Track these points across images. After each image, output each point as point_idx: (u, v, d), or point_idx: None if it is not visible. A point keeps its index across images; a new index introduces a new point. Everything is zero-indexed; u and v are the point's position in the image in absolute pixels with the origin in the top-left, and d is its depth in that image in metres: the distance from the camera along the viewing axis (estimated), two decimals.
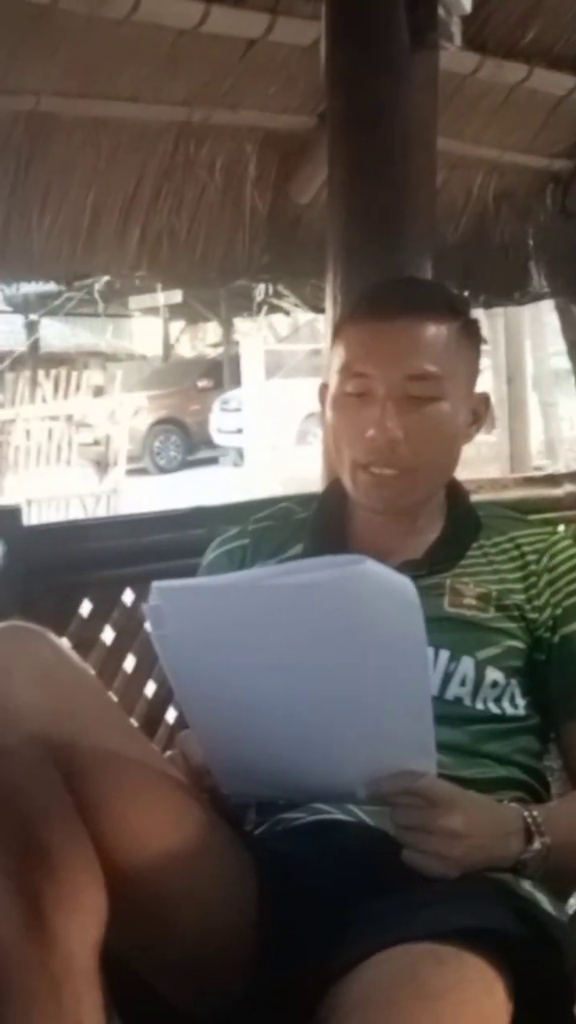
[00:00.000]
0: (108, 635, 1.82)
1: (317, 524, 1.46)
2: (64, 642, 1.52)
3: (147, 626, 1.83)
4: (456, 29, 1.80)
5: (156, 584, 1.12)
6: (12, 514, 1.78)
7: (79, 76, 2.11)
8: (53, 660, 1.18)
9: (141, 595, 1.88)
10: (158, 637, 1.15)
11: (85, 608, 1.87)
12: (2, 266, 2.30)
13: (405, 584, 1.08)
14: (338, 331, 1.43)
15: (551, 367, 10.80)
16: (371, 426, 1.33)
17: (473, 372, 1.43)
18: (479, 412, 1.43)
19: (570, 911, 1.72)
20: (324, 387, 1.43)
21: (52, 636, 1.21)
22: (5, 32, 1.98)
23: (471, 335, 1.41)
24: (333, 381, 1.39)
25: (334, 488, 1.47)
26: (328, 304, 1.91)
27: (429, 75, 1.87)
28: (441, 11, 1.78)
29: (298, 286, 2.75)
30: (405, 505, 1.39)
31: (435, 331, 1.35)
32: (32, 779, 1.04)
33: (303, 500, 1.55)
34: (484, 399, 1.45)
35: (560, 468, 8.34)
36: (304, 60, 2.20)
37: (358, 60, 1.85)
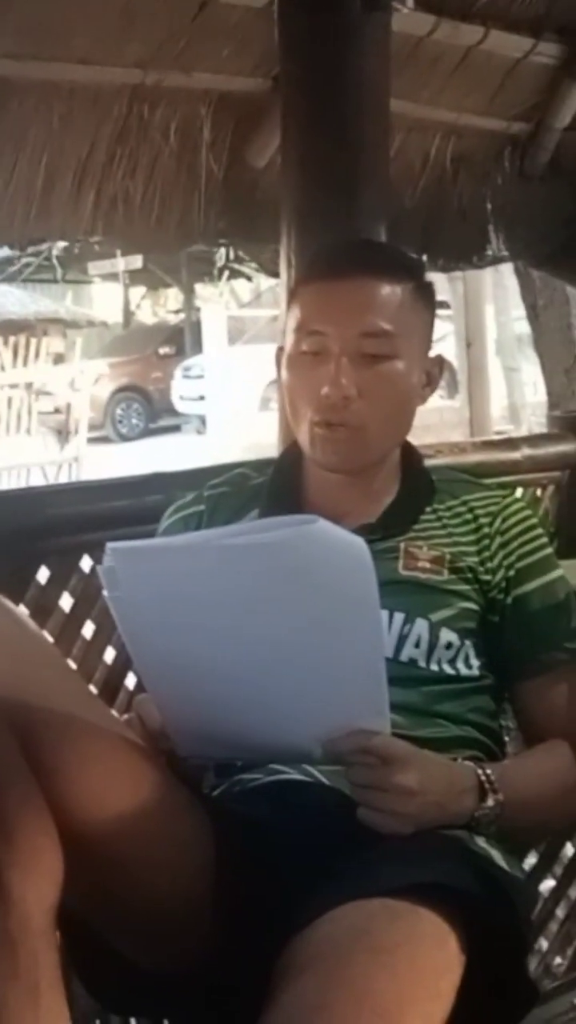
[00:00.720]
0: (66, 602, 1.82)
1: (273, 489, 1.47)
2: (22, 609, 1.53)
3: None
4: None
5: (110, 545, 1.13)
6: None
7: (30, 39, 2.07)
8: (8, 627, 1.18)
9: (99, 562, 1.86)
10: (112, 599, 1.15)
11: (43, 575, 1.86)
12: None
13: (357, 543, 1.09)
14: (293, 292, 1.44)
15: (514, 332, 10.81)
16: (326, 383, 1.34)
17: (427, 334, 1.44)
18: (433, 374, 1.44)
19: (527, 868, 1.77)
20: (280, 350, 1.43)
21: (7, 603, 1.22)
22: None
23: (425, 297, 1.42)
24: (289, 341, 1.40)
25: (290, 453, 1.48)
26: (282, 268, 1.91)
27: (381, 37, 1.86)
28: None
29: (256, 251, 2.74)
30: (359, 463, 1.40)
31: (389, 290, 1.36)
32: None
33: (258, 465, 1.55)
34: (438, 361, 1.46)
35: (523, 432, 8.37)
36: (258, 22, 2.17)
37: (310, 23, 1.84)
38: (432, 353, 1.46)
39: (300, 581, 1.09)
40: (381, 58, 1.88)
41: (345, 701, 1.17)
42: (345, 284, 1.36)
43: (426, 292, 1.42)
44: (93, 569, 1.89)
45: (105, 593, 1.16)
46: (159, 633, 1.18)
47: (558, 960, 1.91)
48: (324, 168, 1.85)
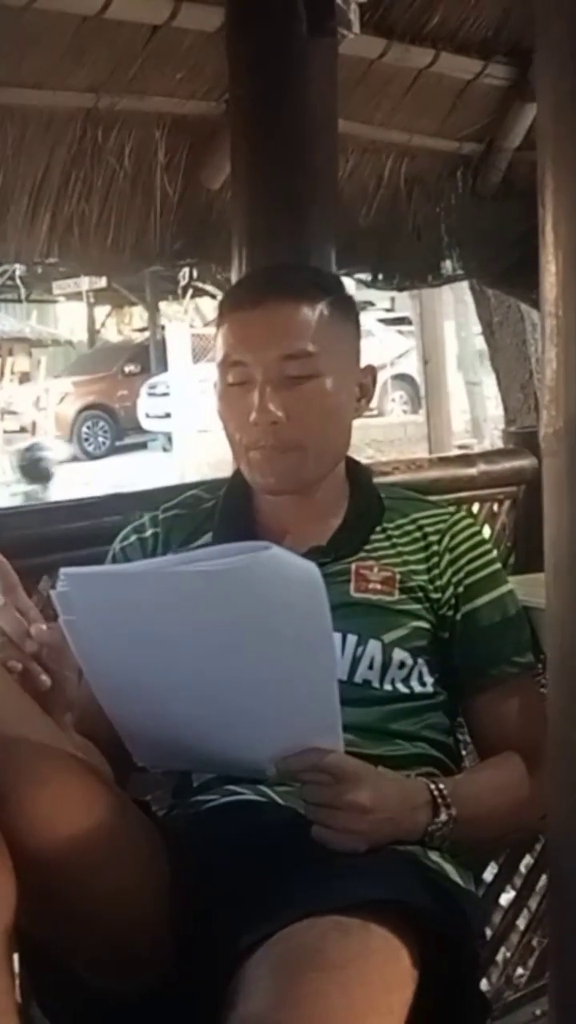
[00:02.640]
0: None
1: (224, 511, 1.48)
2: None
3: None
4: (354, 16, 1.82)
5: (64, 571, 1.14)
6: None
7: None
8: None
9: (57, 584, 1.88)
10: (67, 623, 1.17)
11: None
12: None
13: (310, 570, 1.10)
14: (217, 324, 1.45)
15: (475, 347, 10.90)
16: (253, 410, 1.36)
17: (351, 347, 1.45)
18: (366, 385, 1.46)
19: (487, 880, 1.78)
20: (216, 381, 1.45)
21: None
22: None
23: (344, 311, 1.42)
24: (218, 374, 1.42)
25: (239, 476, 1.49)
26: None
27: (328, 61, 1.88)
28: None
29: (212, 272, 2.75)
30: (299, 482, 1.41)
31: (303, 311, 1.37)
32: None
33: (211, 487, 1.56)
34: (369, 372, 1.47)
35: (486, 446, 8.43)
36: (210, 46, 2.19)
37: (258, 48, 1.86)
38: (364, 365, 1.46)
39: (253, 607, 1.10)
40: (328, 82, 1.90)
41: (298, 721, 1.18)
42: (259, 311, 1.37)
43: (344, 306, 1.43)
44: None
45: (60, 617, 1.17)
46: (114, 656, 1.19)
47: (519, 971, 1.92)
48: (273, 190, 1.87)
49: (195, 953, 1.15)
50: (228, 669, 1.15)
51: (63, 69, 2.16)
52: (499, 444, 2.90)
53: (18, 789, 1.07)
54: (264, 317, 1.37)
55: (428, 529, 1.45)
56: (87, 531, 1.92)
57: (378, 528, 1.45)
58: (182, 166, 2.44)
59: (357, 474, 1.49)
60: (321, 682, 1.16)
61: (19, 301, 16.79)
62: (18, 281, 15.06)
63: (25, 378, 14.43)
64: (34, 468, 8.93)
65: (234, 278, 1.92)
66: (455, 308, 10.75)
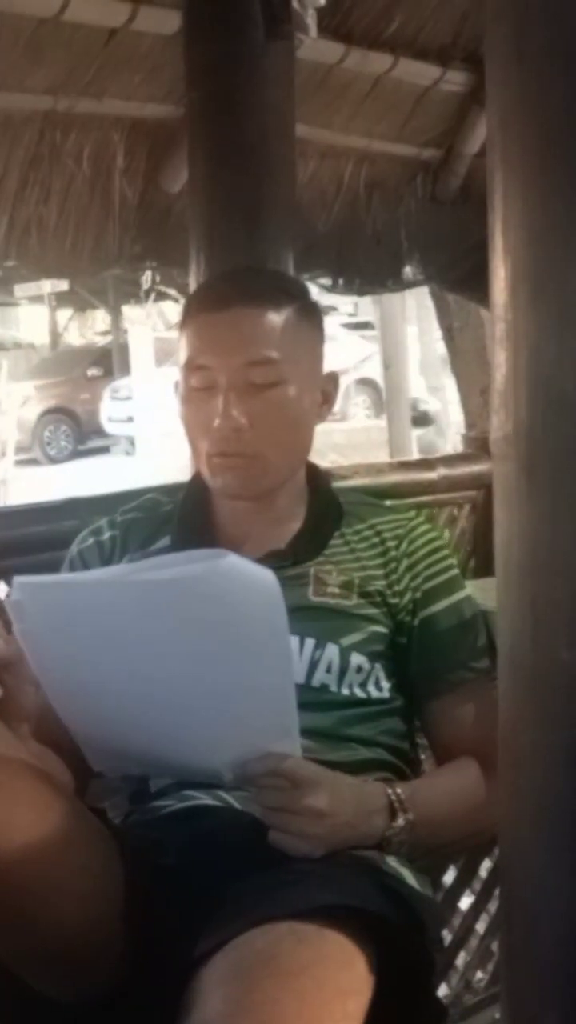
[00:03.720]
0: None
1: (183, 515, 1.48)
2: None
3: None
4: (311, 21, 1.82)
5: (17, 579, 1.13)
6: None
7: None
8: None
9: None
10: (20, 631, 1.16)
11: None
12: None
13: (267, 577, 1.10)
14: (180, 328, 1.44)
15: (438, 351, 10.94)
16: (216, 416, 1.35)
17: (316, 353, 1.44)
18: (328, 392, 1.46)
19: (447, 884, 1.78)
20: (177, 383, 1.44)
21: None
22: None
23: (309, 317, 1.42)
24: (180, 377, 1.41)
25: (198, 479, 1.49)
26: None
27: (285, 66, 1.89)
28: (295, 3, 1.80)
29: (172, 275, 2.75)
30: (260, 489, 1.41)
31: (269, 317, 1.37)
32: None
33: (169, 490, 1.56)
34: (332, 378, 1.47)
35: (448, 450, 8.47)
36: (168, 49, 2.18)
37: (215, 52, 1.86)
38: (328, 371, 1.46)
39: (210, 615, 1.10)
40: (285, 86, 1.91)
41: (255, 726, 1.18)
42: (225, 316, 1.36)
43: (310, 312, 1.43)
44: (9, 595, 1.89)
45: (13, 625, 1.16)
46: (69, 663, 1.18)
47: (479, 975, 1.92)
48: (230, 194, 1.87)
49: (149, 960, 1.14)
50: (185, 675, 1.14)
51: (20, 71, 2.15)
52: (461, 449, 2.92)
53: None
54: (230, 322, 1.36)
55: (386, 535, 1.45)
56: (44, 535, 1.91)
57: (337, 533, 1.45)
58: (141, 169, 2.43)
59: (317, 479, 1.49)
60: (278, 688, 1.16)
61: None
62: None
63: None
64: None
65: (192, 282, 1.91)
66: (418, 313, 10.79)
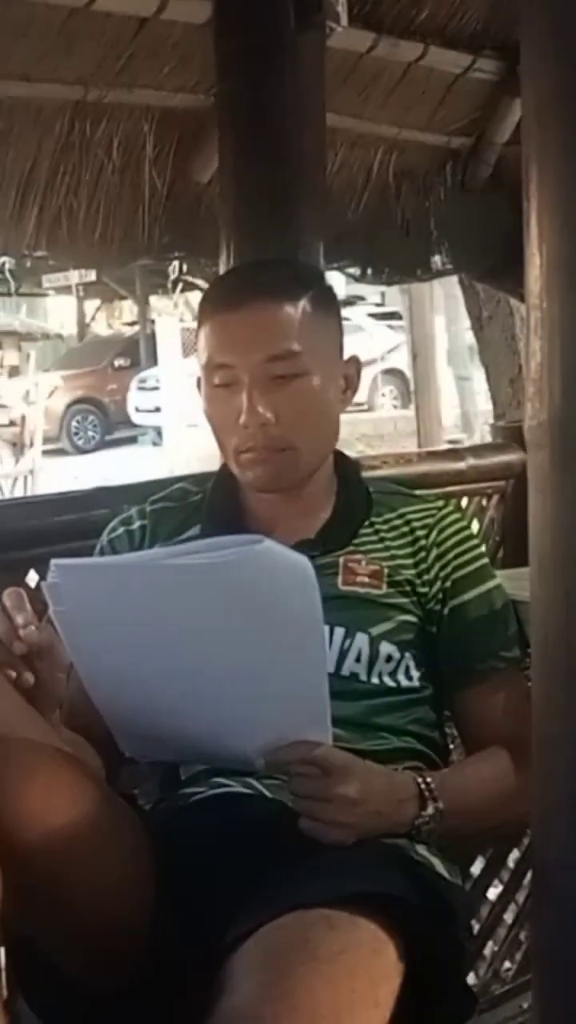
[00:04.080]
0: None
1: (212, 505, 1.48)
2: None
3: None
4: (342, 10, 1.82)
5: (55, 562, 1.14)
6: None
7: None
8: None
9: (46, 577, 1.88)
10: (57, 613, 1.17)
11: None
12: None
13: (302, 563, 1.11)
14: (198, 325, 1.43)
15: (465, 341, 10.90)
16: (241, 413, 1.35)
17: (336, 340, 1.44)
18: (350, 377, 1.45)
19: (475, 874, 1.79)
20: (200, 379, 1.44)
21: None
22: None
23: (325, 304, 1.42)
24: (202, 376, 1.41)
25: (227, 469, 1.49)
26: None
27: (315, 55, 1.89)
28: None
29: (200, 265, 2.75)
30: (290, 481, 1.41)
31: (286, 309, 1.36)
32: None
33: (199, 480, 1.56)
34: (354, 363, 1.46)
35: (476, 441, 8.45)
36: (198, 39, 2.18)
37: (246, 42, 1.86)
38: (347, 355, 1.45)
39: (246, 600, 1.10)
40: (315, 76, 1.90)
41: (288, 714, 1.19)
42: (241, 312, 1.36)
43: (326, 299, 1.42)
44: (39, 584, 1.90)
45: (50, 608, 1.17)
46: (104, 647, 1.19)
47: (507, 965, 1.93)
48: (261, 184, 1.87)
49: (181, 946, 1.15)
50: (219, 661, 1.15)
51: (51, 61, 2.16)
52: (488, 438, 2.91)
53: (6, 782, 1.08)
54: (247, 319, 1.36)
55: (416, 524, 1.45)
56: (74, 525, 1.92)
57: (366, 522, 1.45)
58: (170, 159, 2.44)
59: (345, 468, 1.49)
60: (311, 675, 1.16)
61: (8, 295, 16.72)
62: (7, 274, 15.01)
63: (14, 372, 14.40)
64: None
65: (222, 272, 1.92)
66: (445, 303, 10.75)
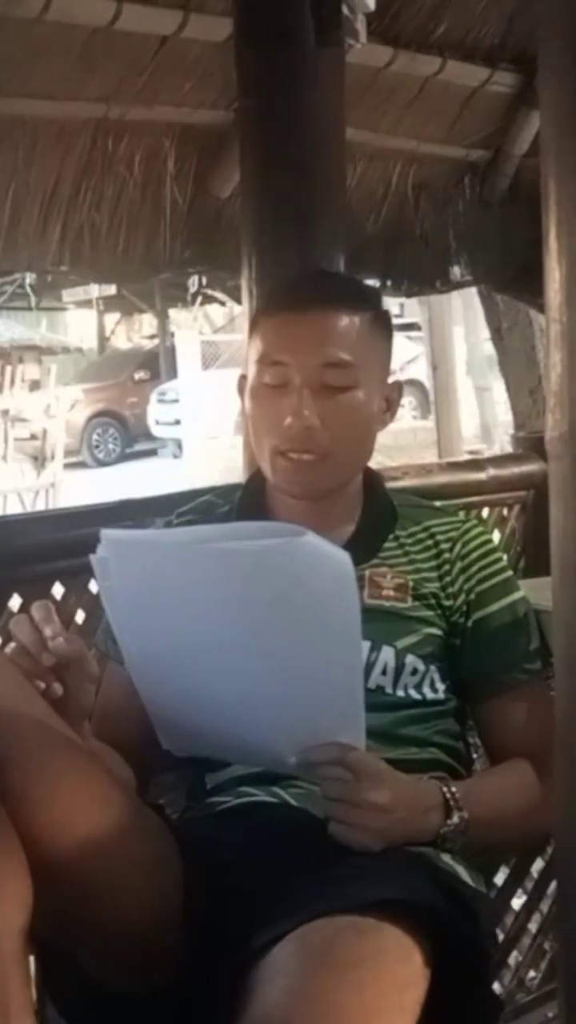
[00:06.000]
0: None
1: (240, 516, 1.49)
2: None
3: (78, 617, 1.86)
4: (361, 27, 1.83)
5: (104, 533, 1.15)
6: None
7: None
8: None
9: (71, 588, 1.90)
10: (104, 588, 1.19)
11: (15, 603, 1.88)
12: None
13: (343, 558, 1.12)
14: (255, 323, 1.46)
15: (484, 352, 10.91)
16: (289, 414, 1.37)
17: (385, 361, 1.47)
18: (392, 399, 1.47)
19: (499, 884, 1.79)
20: (243, 378, 1.46)
21: None
22: None
23: (383, 325, 1.45)
24: (251, 372, 1.42)
25: (255, 480, 1.51)
26: (244, 297, 1.94)
27: (335, 71, 1.90)
28: (345, 9, 1.81)
29: (221, 279, 2.77)
30: (322, 489, 1.42)
31: (348, 321, 1.39)
32: None
33: (225, 492, 1.58)
34: (397, 387, 1.49)
35: (495, 451, 8.44)
36: (218, 56, 2.21)
37: (266, 59, 1.87)
38: (392, 378, 1.48)
39: (285, 589, 1.11)
40: (335, 91, 1.92)
41: (322, 713, 1.20)
42: (306, 316, 1.39)
43: (383, 320, 1.45)
44: (65, 596, 1.92)
45: (98, 582, 1.19)
46: (146, 625, 1.21)
47: (531, 974, 1.93)
48: (282, 199, 1.89)
49: (208, 952, 1.16)
50: (256, 650, 1.16)
51: (74, 80, 2.18)
52: (509, 449, 2.91)
53: (35, 791, 1.09)
54: (312, 322, 1.38)
55: (440, 537, 1.46)
56: (97, 537, 1.93)
57: (391, 536, 1.46)
58: (191, 175, 2.46)
59: (372, 482, 1.51)
60: (347, 674, 1.17)
61: (29, 309, 16.84)
62: (28, 289, 15.12)
63: (35, 386, 14.45)
64: None
65: (244, 286, 1.93)
66: (464, 314, 10.77)
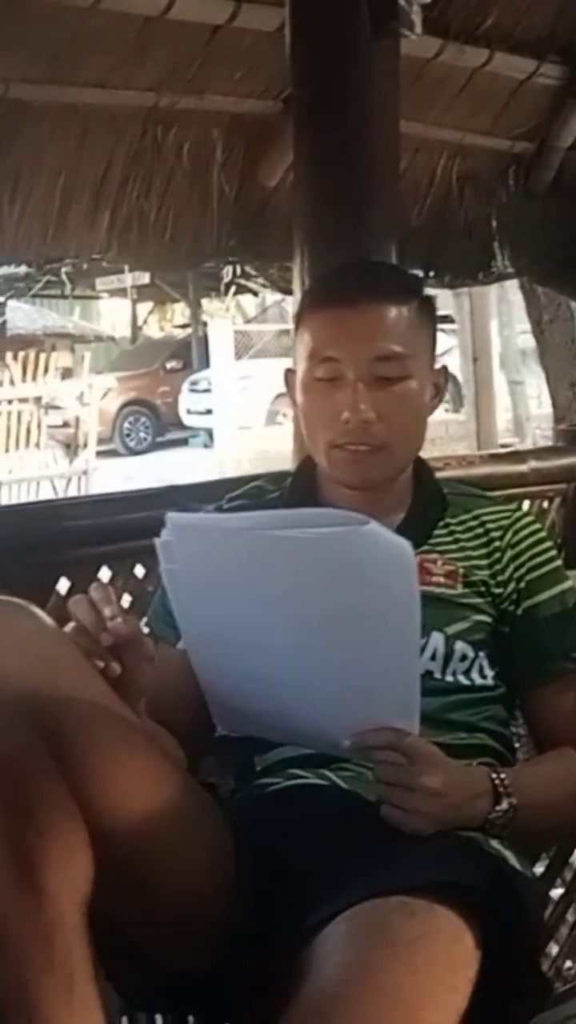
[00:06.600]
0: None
1: (291, 504, 1.50)
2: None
3: (124, 600, 1.89)
4: (416, 17, 1.84)
5: (169, 516, 1.18)
6: None
7: (48, 63, 2.13)
8: (35, 630, 1.21)
9: (117, 572, 1.92)
10: (167, 571, 1.21)
11: (63, 585, 1.91)
12: None
13: (405, 547, 1.13)
14: (301, 318, 1.46)
15: (518, 346, 10.87)
16: (344, 408, 1.37)
17: (432, 348, 1.47)
18: (440, 385, 1.48)
19: (538, 876, 1.79)
20: (290, 372, 1.47)
21: (33, 608, 1.24)
22: None
23: (428, 313, 1.45)
24: (301, 367, 1.43)
25: (305, 467, 1.52)
26: (296, 287, 1.96)
27: (391, 63, 1.91)
28: (402, 0, 1.82)
29: (265, 268, 2.78)
30: (380, 479, 1.43)
31: (396, 312, 1.39)
32: (19, 745, 1.08)
33: (274, 478, 1.59)
34: (443, 372, 1.50)
35: (528, 446, 8.41)
36: (269, 46, 2.23)
37: (321, 49, 1.89)
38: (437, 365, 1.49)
39: (347, 576, 1.13)
40: (390, 82, 1.93)
41: (378, 698, 1.21)
42: (356, 310, 1.39)
43: (428, 308, 1.46)
44: (111, 580, 1.94)
45: (161, 565, 1.21)
46: (207, 607, 1.23)
47: (568, 964, 1.94)
48: (336, 189, 1.90)
49: (258, 931, 1.18)
50: (314, 635, 1.17)
51: (125, 69, 2.21)
52: (541, 444, 2.91)
53: (94, 766, 1.11)
54: (362, 316, 1.39)
55: (491, 525, 1.47)
56: (144, 522, 1.94)
57: (441, 523, 1.47)
58: (239, 164, 2.49)
59: (421, 470, 1.52)
60: (404, 661, 1.18)
61: (64, 297, 16.91)
62: (64, 277, 15.18)
63: (67, 374, 14.50)
64: None
65: (296, 275, 1.95)
66: (498, 307, 10.72)
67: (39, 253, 2.38)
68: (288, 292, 2.12)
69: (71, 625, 1.24)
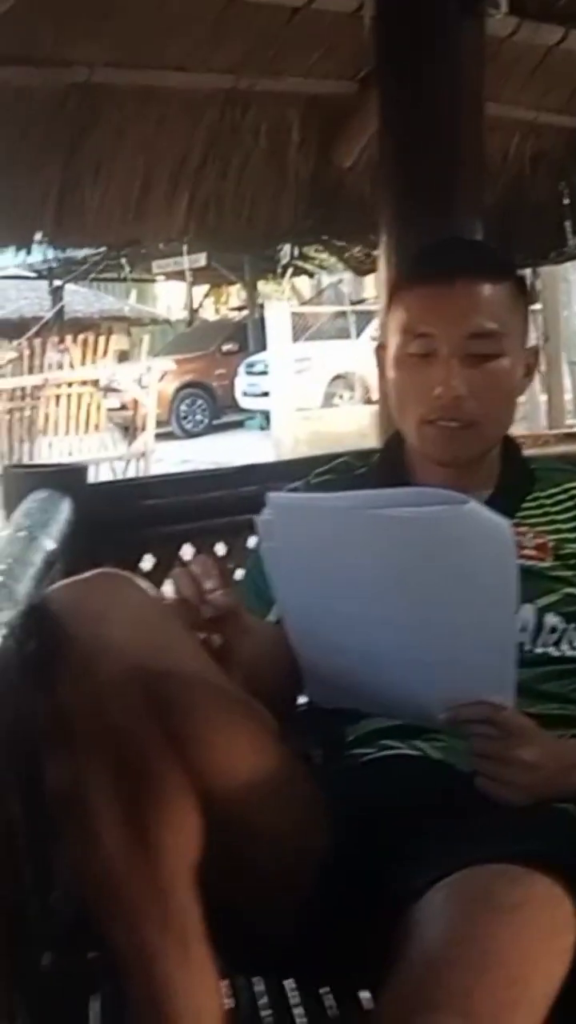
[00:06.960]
0: (169, 588, 1.89)
1: (380, 479, 1.52)
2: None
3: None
4: None
5: (271, 496, 1.20)
6: (77, 473, 1.85)
7: (129, 47, 2.16)
8: (140, 601, 1.23)
9: (200, 549, 1.95)
10: (267, 549, 1.24)
11: (147, 562, 1.94)
12: (58, 234, 2.36)
13: (504, 526, 1.14)
14: (395, 294, 1.48)
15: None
16: (437, 384, 1.39)
17: (525, 327, 1.48)
18: (531, 364, 1.49)
19: None
20: (381, 348, 1.49)
21: (140, 580, 1.27)
22: (57, 6, 2.03)
23: (522, 292, 1.46)
24: (394, 342, 1.44)
25: (393, 443, 1.53)
26: (381, 266, 1.97)
27: (476, 43, 1.91)
28: None
29: (340, 248, 2.79)
30: (470, 456, 1.45)
31: (491, 290, 1.41)
32: (131, 714, 1.10)
33: (361, 455, 1.61)
34: (534, 351, 1.51)
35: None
36: (346, 27, 2.24)
37: (406, 29, 1.89)
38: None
39: (445, 557, 1.14)
40: (476, 63, 1.93)
41: (474, 672, 1.22)
42: (451, 287, 1.40)
43: (522, 287, 1.47)
44: (195, 557, 1.97)
45: (262, 543, 1.24)
46: (306, 584, 1.25)
47: None
48: (421, 170, 1.91)
49: (354, 897, 1.20)
50: (412, 612, 1.19)
51: (205, 52, 2.23)
52: None
53: (200, 734, 1.13)
54: (457, 293, 1.40)
55: None
56: (224, 500, 1.98)
57: (530, 496, 1.48)
58: (315, 145, 2.50)
59: (509, 446, 1.53)
60: (501, 638, 1.20)
61: (122, 280, 16.98)
62: (122, 260, 15.23)
63: (123, 357, 14.57)
64: None
65: (382, 255, 1.96)
66: (560, 288, 10.60)
67: (119, 236, 2.41)
68: (363, 272, 2.13)
69: (172, 597, 1.27)
